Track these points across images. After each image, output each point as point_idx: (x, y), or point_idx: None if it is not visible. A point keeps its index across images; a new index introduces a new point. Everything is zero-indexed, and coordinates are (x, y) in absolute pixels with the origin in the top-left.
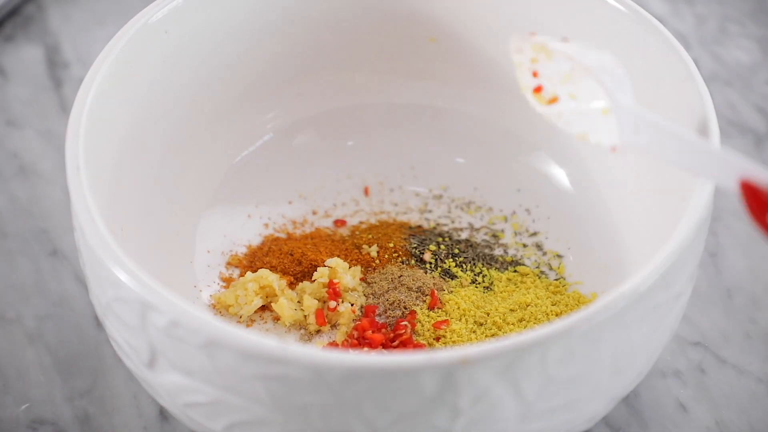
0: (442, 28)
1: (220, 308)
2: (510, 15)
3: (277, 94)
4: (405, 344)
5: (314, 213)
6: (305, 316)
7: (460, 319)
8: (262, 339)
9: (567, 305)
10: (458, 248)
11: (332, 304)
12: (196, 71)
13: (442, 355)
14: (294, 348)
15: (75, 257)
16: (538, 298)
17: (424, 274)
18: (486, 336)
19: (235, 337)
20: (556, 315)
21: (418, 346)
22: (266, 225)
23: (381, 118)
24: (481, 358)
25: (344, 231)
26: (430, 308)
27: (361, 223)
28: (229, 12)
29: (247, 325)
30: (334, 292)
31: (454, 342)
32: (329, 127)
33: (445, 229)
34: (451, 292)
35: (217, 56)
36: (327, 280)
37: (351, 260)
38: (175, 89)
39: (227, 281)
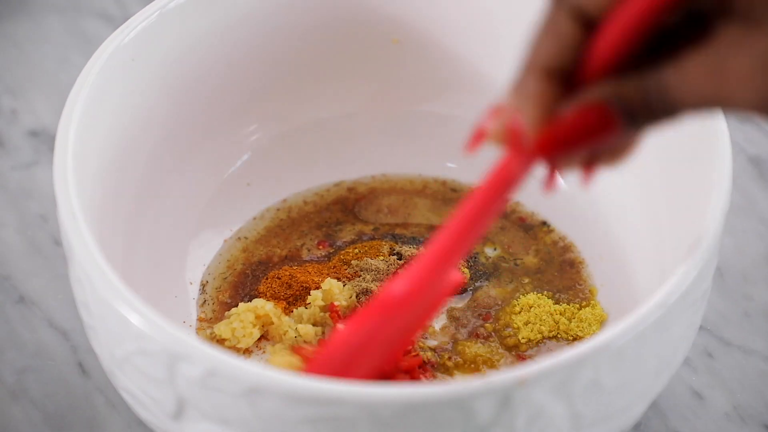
0: (404, 29)
1: (214, 342)
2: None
3: (253, 110)
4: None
5: None
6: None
7: None
8: (310, 381)
9: (569, 302)
10: None
11: (340, 327)
12: (171, 96)
13: (498, 378)
14: (345, 387)
15: (44, 303)
16: (539, 298)
17: None
18: (500, 341)
19: (280, 382)
20: (561, 314)
21: (428, 363)
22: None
23: (365, 126)
24: (538, 376)
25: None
26: None
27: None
28: (196, 29)
29: (246, 357)
30: (336, 314)
31: (464, 353)
32: (311, 139)
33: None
34: None
35: (190, 77)
36: (323, 304)
37: (342, 277)
38: (152, 117)
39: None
